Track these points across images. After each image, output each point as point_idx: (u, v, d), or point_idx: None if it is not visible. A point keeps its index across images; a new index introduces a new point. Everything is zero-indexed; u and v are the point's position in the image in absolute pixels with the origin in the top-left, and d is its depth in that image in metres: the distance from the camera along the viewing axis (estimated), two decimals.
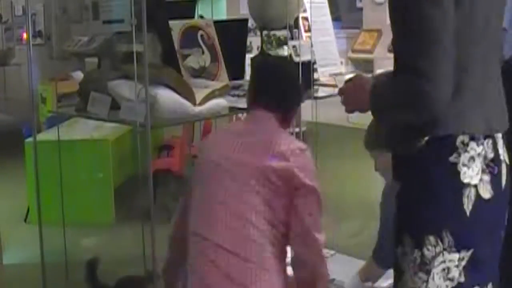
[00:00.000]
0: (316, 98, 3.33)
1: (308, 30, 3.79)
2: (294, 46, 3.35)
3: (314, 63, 3.49)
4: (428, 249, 1.84)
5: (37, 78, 6.63)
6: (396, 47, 1.85)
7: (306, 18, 3.91)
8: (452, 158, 1.81)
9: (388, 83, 1.92)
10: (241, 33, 3.65)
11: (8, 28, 11.93)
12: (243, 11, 8.51)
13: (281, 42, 3.45)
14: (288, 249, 2.33)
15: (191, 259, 2.29)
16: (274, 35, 3.48)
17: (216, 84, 2.97)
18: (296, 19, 3.78)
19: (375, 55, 8.55)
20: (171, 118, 2.71)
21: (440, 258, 1.83)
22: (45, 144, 4.29)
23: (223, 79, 3.21)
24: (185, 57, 3.19)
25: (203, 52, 3.23)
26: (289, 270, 3.86)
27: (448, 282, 1.85)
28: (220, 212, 2.20)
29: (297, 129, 4.56)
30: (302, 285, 2.31)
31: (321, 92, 3.43)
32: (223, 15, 9.19)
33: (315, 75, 3.50)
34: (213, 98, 2.83)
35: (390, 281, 3.51)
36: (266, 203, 2.19)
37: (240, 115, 2.39)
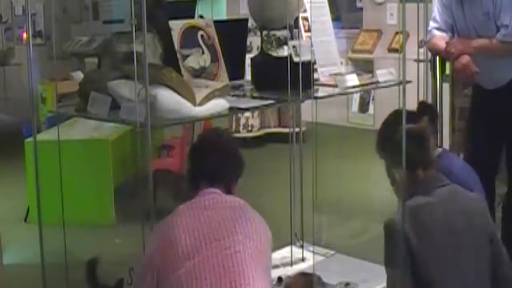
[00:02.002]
0: (316, 98, 3.32)
1: (308, 30, 3.79)
2: (294, 46, 3.34)
3: (314, 63, 3.48)
4: None
5: (37, 78, 6.63)
6: None
7: (306, 18, 3.91)
8: None
9: None
10: (241, 33, 3.65)
11: (8, 28, 11.94)
12: (243, 11, 8.52)
13: (281, 42, 3.44)
14: None
15: None
16: (274, 35, 3.47)
17: (216, 84, 2.97)
18: (296, 19, 3.77)
19: (375, 55, 8.56)
20: (171, 118, 2.71)
21: None
22: (45, 144, 4.28)
23: (223, 79, 3.21)
24: (185, 57, 3.18)
25: (203, 52, 3.22)
26: (290, 271, 3.87)
27: None
28: None
29: (297, 129, 4.56)
30: None
31: (321, 92, 3.42)
32: (223, 15, 9.19)
33: (315, 75, 3.49)
34: (213, 98, 2.83)
35: None
36: None
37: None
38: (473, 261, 2.55)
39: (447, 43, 3.84)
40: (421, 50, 4.29)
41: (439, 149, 3.24)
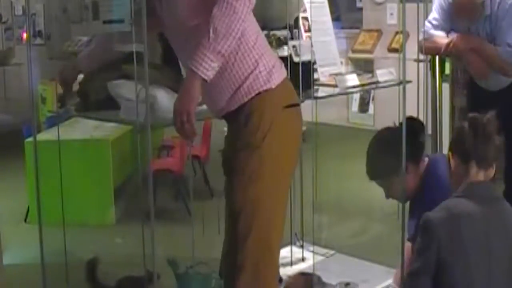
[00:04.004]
0: (316, 98, 3.33)
1: (308, 30, 3.79)
2: (294, 46, 3.35)
3: (314, 63, 3.49)
4: None
5: (37, 78, 6.63)
6: None
7: (306, 18, 3.91)
8: None
9: None
10: None
11: (8, 28, 11.94)
12: None
13: (281, 42, 3.44)
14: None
15: None
16: (274, 35, 3.47)
17: None
18: (296, 19, 3.77)
19: (375, 55, 8.55)
20: (171, 118, 2.71)
21: None
22: (45, 144, 4.29)
23: None
24: None
25: None
26: (290, 271, 3.87)
27: None
28: None
29: None
30: None
31: (321, 92, 3.43)
32: None
33: (315, 75, 3.50)
34: None
35: (390, 281, 3.52)
36: None
37: None
38: (504, 282, 2.43)
39: (455, 37, 3.83)
40: None
41: (426, 155, 3.23)
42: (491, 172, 2.55)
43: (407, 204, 3.16)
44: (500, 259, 2.43)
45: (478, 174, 2.52)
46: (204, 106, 2.75)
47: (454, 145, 2.62)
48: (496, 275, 2.42)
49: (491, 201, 2.50)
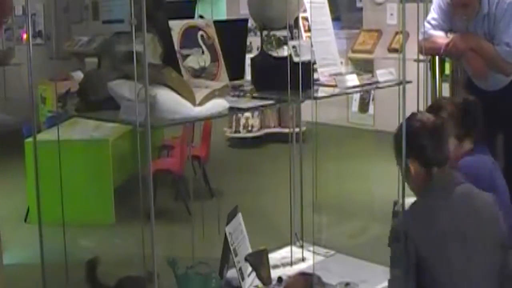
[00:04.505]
0: (316, 98, 3.32)
1: (308, 30, 3.79)
2: (294, 46, 3.34)
3: (314, 63, 3.49)
4: None
5: (37, 78, 6.64)
6: None
7: (306, 18, 3.91)
8: None
9: None
10: (241, 33, 3.65)
11: (8, 28, 11.95)
12: (243, 11, 8.53)
13: (281, 42, 3.44)
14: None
15: None
16: (274, 35, 3.47)
17: (216, 84, 2.97)
18: (296, 19, 3.77)
19: (375, 55, 8.56)
20: (171, 118, 2.71)
21: None
22: (45, 144, 4.29)
23: (223, 79, 3.21)
24: (185, 57, 3.18)
25: (203, 52, 3.22)
26: (290, 271, 3.86)
27: None
28: None
29: (297, 129, 4.56)
30: None
31: (321, 92, 3.42)
32: (223, 15, 9.20)
33: (315, 75, 3.49)
34: (213, 98, 2.83)
35: None
36: None
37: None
38: (482, 268, 2.48)
39: (454, 37, 3.84)
40: None
41: (468, 146, 3.18)
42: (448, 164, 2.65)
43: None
44: (477, 241, 2.49)
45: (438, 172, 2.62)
46: (204, 106, 2.76)
47: (411, 150, 2.66)
48: (476, 259, 2.47)
49: (456, 187, 2.58)
